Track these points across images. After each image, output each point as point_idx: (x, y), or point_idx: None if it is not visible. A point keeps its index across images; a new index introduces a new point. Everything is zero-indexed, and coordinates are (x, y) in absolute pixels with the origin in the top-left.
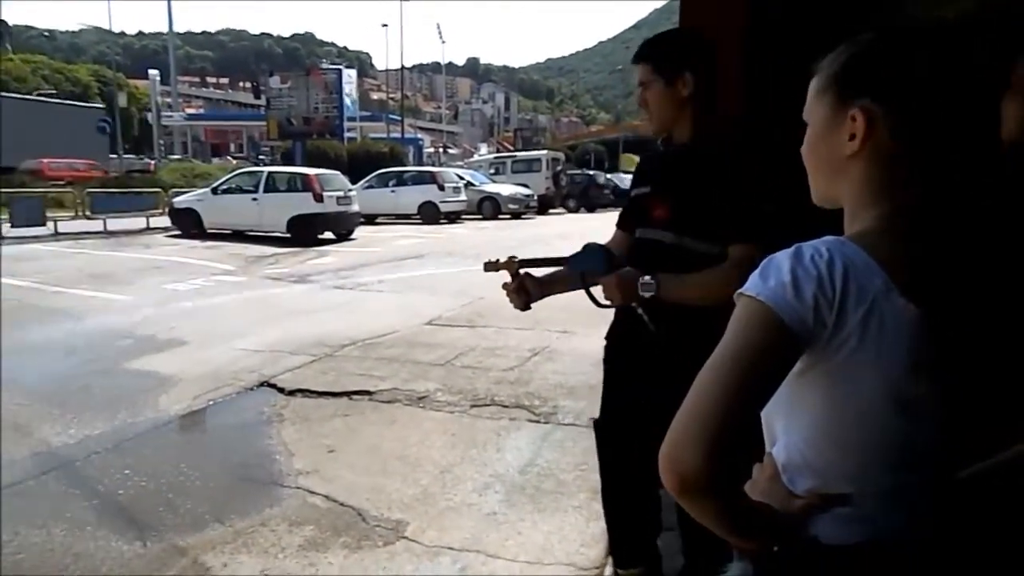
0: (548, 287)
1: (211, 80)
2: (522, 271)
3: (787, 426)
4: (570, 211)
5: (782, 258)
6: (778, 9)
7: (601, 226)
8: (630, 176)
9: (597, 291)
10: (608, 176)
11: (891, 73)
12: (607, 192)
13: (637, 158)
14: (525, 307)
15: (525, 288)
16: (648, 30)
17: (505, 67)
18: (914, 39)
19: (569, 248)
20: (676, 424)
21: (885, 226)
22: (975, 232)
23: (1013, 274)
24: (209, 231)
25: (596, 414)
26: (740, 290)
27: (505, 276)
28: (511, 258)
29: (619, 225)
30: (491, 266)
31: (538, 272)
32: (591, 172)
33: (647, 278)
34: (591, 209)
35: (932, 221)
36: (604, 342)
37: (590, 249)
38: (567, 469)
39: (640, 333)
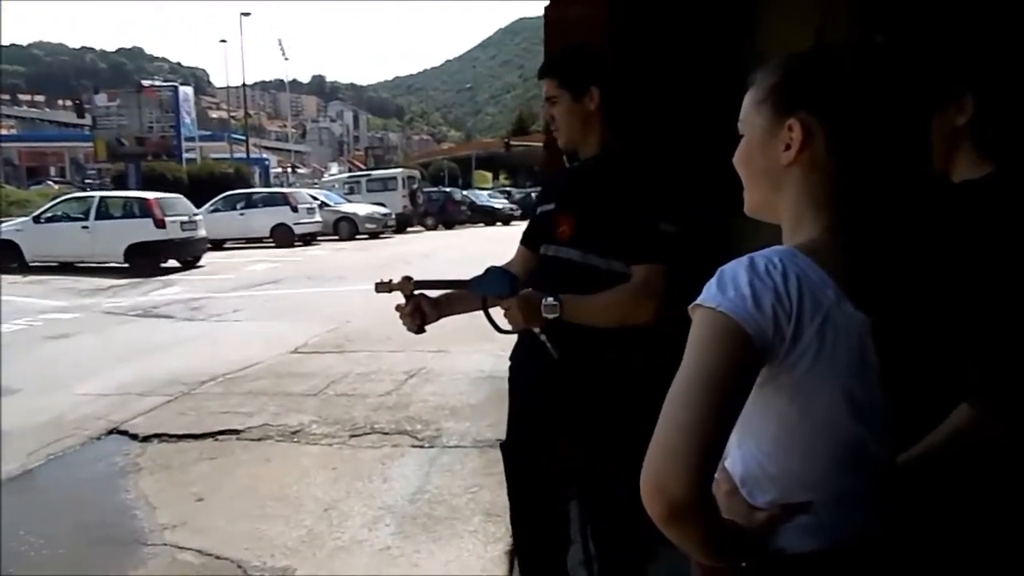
0: (445, 308)
1: (24, 98)
2: (417, 292)
3: (743, 438)
4: (428, 229)
5: (737, 268)
6: (638, 34)
7: (462, 243)
8: (486, 192)
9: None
10: (464, 193)
11: (829, 87)
12: (464, 208)
13: (490, 175)
14: (420, 330)
15: (421, 310)
16: (494, 49)
17: (353, 85)
18: (851, 58)
19: (432, 267)
20: (657, 449)
21: (829, 237)
22: (916, 242)
23: (954, 281)
24: (32, 264)
25: (481, 434)
26: (697, 301)
27: (398, 298)
28: (405, 278)
29: (523, 242)
30: (383, 287)
31: (433, 293)
32: (448, 189)
33: (550, 300)
34: (449, 226)
35: (874, 231)
36: (508, 362)
37: (493, 272)
38: (458, 493)
39: (541, 354)
